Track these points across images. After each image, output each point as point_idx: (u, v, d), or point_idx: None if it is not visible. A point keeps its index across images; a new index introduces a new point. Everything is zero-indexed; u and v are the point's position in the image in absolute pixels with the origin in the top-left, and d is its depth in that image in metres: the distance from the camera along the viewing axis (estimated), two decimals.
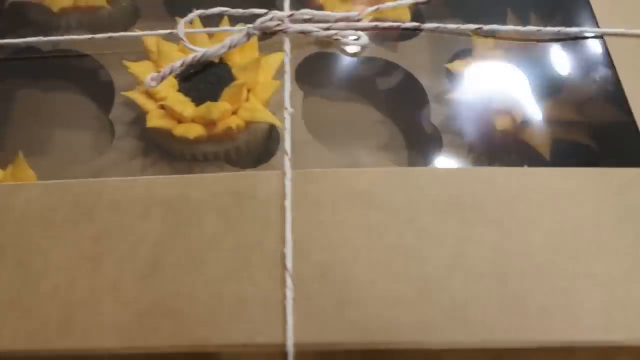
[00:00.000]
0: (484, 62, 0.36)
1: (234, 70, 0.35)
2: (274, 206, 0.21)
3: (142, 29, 0.41)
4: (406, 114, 0.39)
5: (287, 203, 0.21)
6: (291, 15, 0.28)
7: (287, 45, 0.28)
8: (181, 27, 0.29)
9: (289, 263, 0.19)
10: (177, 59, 0.36)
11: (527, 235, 0.20)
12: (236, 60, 0.35)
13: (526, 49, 0.36)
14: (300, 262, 0.19)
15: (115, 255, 0.20)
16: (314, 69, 0.41)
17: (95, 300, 0.19)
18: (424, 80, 0.39)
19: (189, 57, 0.28)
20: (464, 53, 0.40)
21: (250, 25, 0.28)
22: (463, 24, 0.40)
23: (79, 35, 0.38)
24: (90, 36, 0.29)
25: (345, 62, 0.40)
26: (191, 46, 0.29)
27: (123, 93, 0.33)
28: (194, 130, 0.32)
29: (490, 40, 0.37)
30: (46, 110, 0.39)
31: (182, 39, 0.29)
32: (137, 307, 0.19)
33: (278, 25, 0.27)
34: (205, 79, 0.35)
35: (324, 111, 0.39)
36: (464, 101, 0.35)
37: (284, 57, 0.36)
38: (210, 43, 0.36)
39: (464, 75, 0.36)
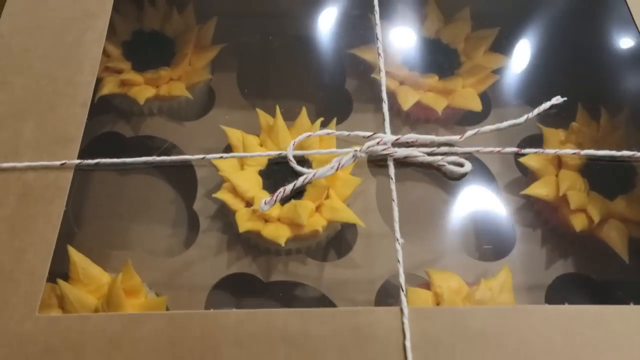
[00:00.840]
0: (557, 155, 0.37)
1: (314, 165, 0.36)
2: (394, 346, 0.22)
3: (217, 114, 0.43)
4: (476, 202, 0.40)
5: (408, 343, 0.22)
6: (397, 139, 0.29)
7: (391, 170, 0.29)
8: (290, 149, 0.30)
9: None
10: (261, 157, 0.37)
11: None
12: (316, 156, 0.37)
13: (596, 142, 0.37)
14: None
15: None
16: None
17: None
18: (494, 168, 0.40)
19: (300, 180, 0.29)
20: (532, 141, 0.41)
21: (357, 149, 0.29)
22: (529, 108, 0.41)
23: (160, 119, 0.40)
24: (220, 155, 0.31)
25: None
26: (299, 168, 0.30)
27: (215, 195, 0.34)
28: (283, 234, 0.33)
29: (561, 133, 0.38)
30: (125, 196, 0.40)
31: (290, 160, 0.30)
32: None
33: (385, 149, 0.28)
34: (288, 175, 0.36)
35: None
36: (537, 195, 0.36)
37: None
38: (287, 138, 0.37)
39: (536, 168, 0.37)
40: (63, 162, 0.27)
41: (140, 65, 0.40)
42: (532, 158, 0.37)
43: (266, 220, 0.35)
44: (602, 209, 0.34)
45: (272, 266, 0.35)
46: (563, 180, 0.35)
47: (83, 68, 0.30)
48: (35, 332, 0.24)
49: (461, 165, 0.31)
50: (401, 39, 0.41)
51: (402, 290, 0.24)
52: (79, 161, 0.28)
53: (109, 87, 0.39)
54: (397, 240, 0.26)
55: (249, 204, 0.35)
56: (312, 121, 0.38)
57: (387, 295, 0.36)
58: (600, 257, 0.35)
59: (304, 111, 0.38)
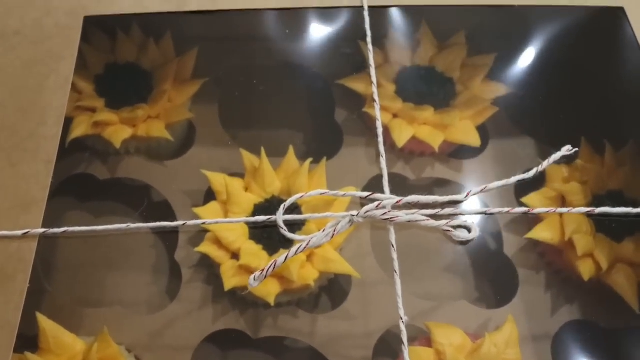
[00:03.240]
0: (561, 195, 0.35)
1: (304, 210, 0.34)
2: None
3: (199, 152, 0.40)
4: (475, 243, 0.38)
5: None
6: (398, 202, 0.27)
7: (392, 236, 0.27)
8: (280, 214, 0.28)
9: None
10: (245, 202, 0.35)
11: None
12: (306, 200, 0.34)
13: (601, 180, 0.35)
14: None
15: None
16: (380, 190, 0.39)
17: None
18: (493, 205, 0.38)
19: (293, 250, 0.27)
20: (533, 177, 0.39)
21: (354, 213, 0.27)
22: (529, 139, 0.39)
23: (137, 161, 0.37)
24: (202, 221, 0.28)
25: (408, 184, 0.39)
26: (292, 235, 0.28)
27: (197, 249, 0.32)
28: (272, 290, 0.31)
29: (564, 169, 0.36)
30: (100, 241, 0.37)
31: (281, 227, 0.28)
32: None
33: (385, 214, 0.26)
34: (274, 223, 0.34)
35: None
36: (541, 239, 0.34)
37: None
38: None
39: (538, 209, 0.34)
40: (25, 231, 0.24)
41: (115, 102, 0.37)
42: (535, 198, 0.35)
43: (253, 273, 0.32)
44: (609, 253, 0.32)
45: (261, 320, 0.33)
46: (568, 223, 0.33)
47: (47, 119, 0.27)
48: None
49: (468, 229, 0.28)
50: (394, 67, 0.39)
51: None
52: (43, 230, 0.25)
53: (82, 128, 0.36)
54: (402, 318, 0.24)
55: (235, 255, 0.33)
56: (300, 155, 0.36)
57: (386, 350, 0.33)
58: (608, 302, 0.33)
59: (291, 150, 0.36)
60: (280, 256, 0.27)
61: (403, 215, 0.27)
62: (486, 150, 0.39)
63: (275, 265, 0.26)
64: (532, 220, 0.36)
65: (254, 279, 0.26)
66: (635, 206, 0.34)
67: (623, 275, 0.32)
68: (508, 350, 0.30)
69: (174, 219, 0.36)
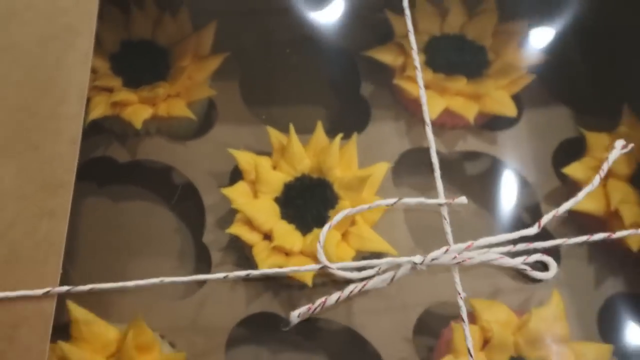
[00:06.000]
0: (601, 162, 0.33)
1: (336, 188, 0.33)
2: None
3: (221, 130, 0.38)
4: (513, 215, 0.36)
5: None
6: (468, 246, 0.24)
7: (457, 277, 0.24)
8: (320, 253, 0.25)
9: None
10: (275, 181, 0.33)
11: None
12: (337, 175, 0.33)
13: None
14: None
15: None
16: (411, 166, 0.38)
17: None
18: (531, 177, 0.37)
19: (347, 290, 0.25)
20: (571, 145, 0.37)
21: (417, 261, 0.24)
22: (567, 110, 0.38)
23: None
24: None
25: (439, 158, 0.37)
26: (349, 275, 0.25)
27: (228, 230, 0.30)
28: (308, 272, 0.29)
29: (605, 137, 0.35)
30: (122, 226, 0.36)
31: (328, 266, 0.25)
32: None
33: (454, 258, 0.24)
34: (307, 200, 0.32)
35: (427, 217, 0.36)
36: (585, 210, 0.32)
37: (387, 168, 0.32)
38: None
39: (581, 179, 0.33)
40: (47, 290, 0.22)
41: (132, 80, 0.35)
42: (577, 167, 0.33)
43: (287, 254, 0.31)
44: None
45: (296, 302, 0.32)
46: (613, 192, 0.32)
47: (68, 97, 0.26)
48: None
49: (545, 266, 0.27)
50: (422, 37, 0.37)
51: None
52: (66, 287, 0.23)
53: (100, 109, 0.34)
54: (460, 294, 0.22)
55: (266, 236, 0.32)
56: (325, 132, 0.34)
57: (426, 329, 0.32)
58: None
59: (319, 126, 0.34)
60: (331, 296, 0.24)
61: (475, 256, 0.24)
62: (521, 121, 0.38)
63: (324, 305, 0.24)
64: (570, 190, 0.35)
65: (297, 316, 0.24)
66: None
67: None
68: (556, 324, 0.29)
69: (199, 201, 0.35)
